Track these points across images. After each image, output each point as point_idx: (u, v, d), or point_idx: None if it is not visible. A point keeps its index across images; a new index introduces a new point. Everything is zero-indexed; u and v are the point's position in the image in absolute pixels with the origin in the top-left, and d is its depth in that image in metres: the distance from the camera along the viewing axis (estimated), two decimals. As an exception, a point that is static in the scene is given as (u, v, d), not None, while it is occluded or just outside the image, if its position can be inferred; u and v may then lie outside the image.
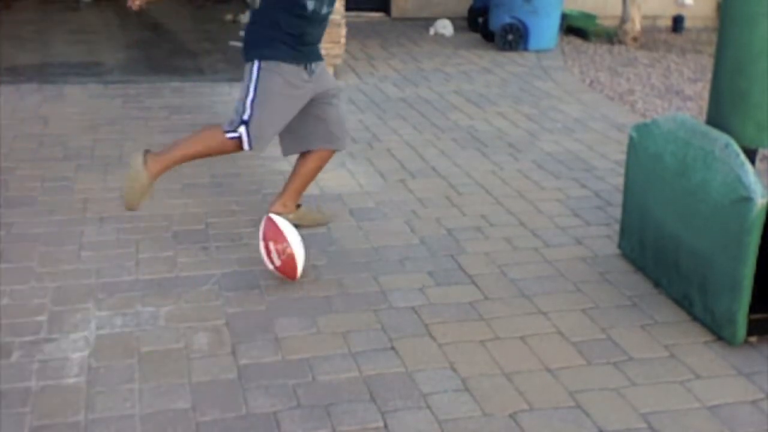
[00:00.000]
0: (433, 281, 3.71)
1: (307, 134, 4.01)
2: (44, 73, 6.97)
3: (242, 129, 3.77)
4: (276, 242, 3.53)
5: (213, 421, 2.74)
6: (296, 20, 3.74)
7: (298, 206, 4.17)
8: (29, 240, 3.95)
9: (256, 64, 3.78)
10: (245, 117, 3.76)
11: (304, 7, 3.71)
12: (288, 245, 3.52)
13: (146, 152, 3.86)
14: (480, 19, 8.99)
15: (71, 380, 2.92)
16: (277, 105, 3.80)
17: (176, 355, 3.09)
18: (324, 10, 3.80)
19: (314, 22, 3.79)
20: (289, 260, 3.53)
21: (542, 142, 5.67)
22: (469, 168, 5.13)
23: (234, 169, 4.95)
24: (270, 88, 3.76)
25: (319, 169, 4.12)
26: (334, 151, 4.10)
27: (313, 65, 3.86)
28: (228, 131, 3.81)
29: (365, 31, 9.06)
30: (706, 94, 6.80)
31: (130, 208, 3.82)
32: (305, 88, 3.85)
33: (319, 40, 3.91)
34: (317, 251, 3.93)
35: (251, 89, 3.77)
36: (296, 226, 3.85)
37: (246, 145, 3.79)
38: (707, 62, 8.28)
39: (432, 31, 9.22)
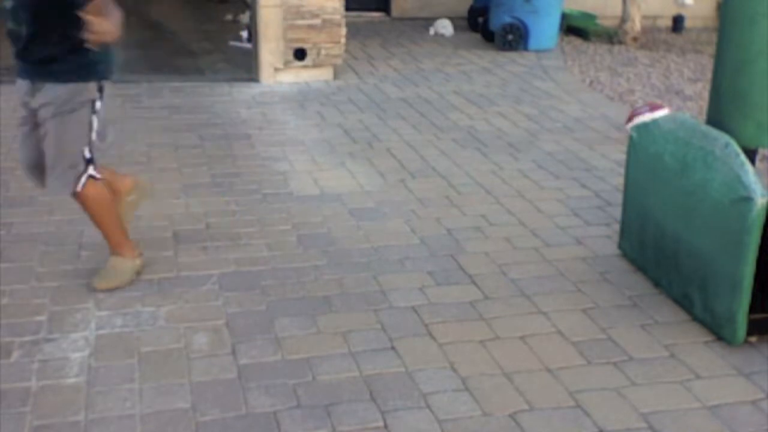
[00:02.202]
0: (433, 281, 3.71)
1: None
2: (44, 73, 6.96)
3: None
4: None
5: (213, 421, 2.74)
6: None
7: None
8: (29, 240, 3.95)
9: None
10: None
11: None
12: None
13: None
14: (480, 19, 8.99)
15: (71, 380, 2.92)
16: None
17: (176, 355, 3.09)
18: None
19: None
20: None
21: (542, 142, 5.67)
22: (469, 168, 5.13)
23: (234, 169, 4.95)
24: None
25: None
26: None
27: None
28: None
29: (365, 31, 9.06)
30: (706, 94, 6.79)
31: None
32: None
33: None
34: (317, 251, 3.94)
35: None
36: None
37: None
38: (707, 62, 8.28)
39: (432, 31, 9.22)
